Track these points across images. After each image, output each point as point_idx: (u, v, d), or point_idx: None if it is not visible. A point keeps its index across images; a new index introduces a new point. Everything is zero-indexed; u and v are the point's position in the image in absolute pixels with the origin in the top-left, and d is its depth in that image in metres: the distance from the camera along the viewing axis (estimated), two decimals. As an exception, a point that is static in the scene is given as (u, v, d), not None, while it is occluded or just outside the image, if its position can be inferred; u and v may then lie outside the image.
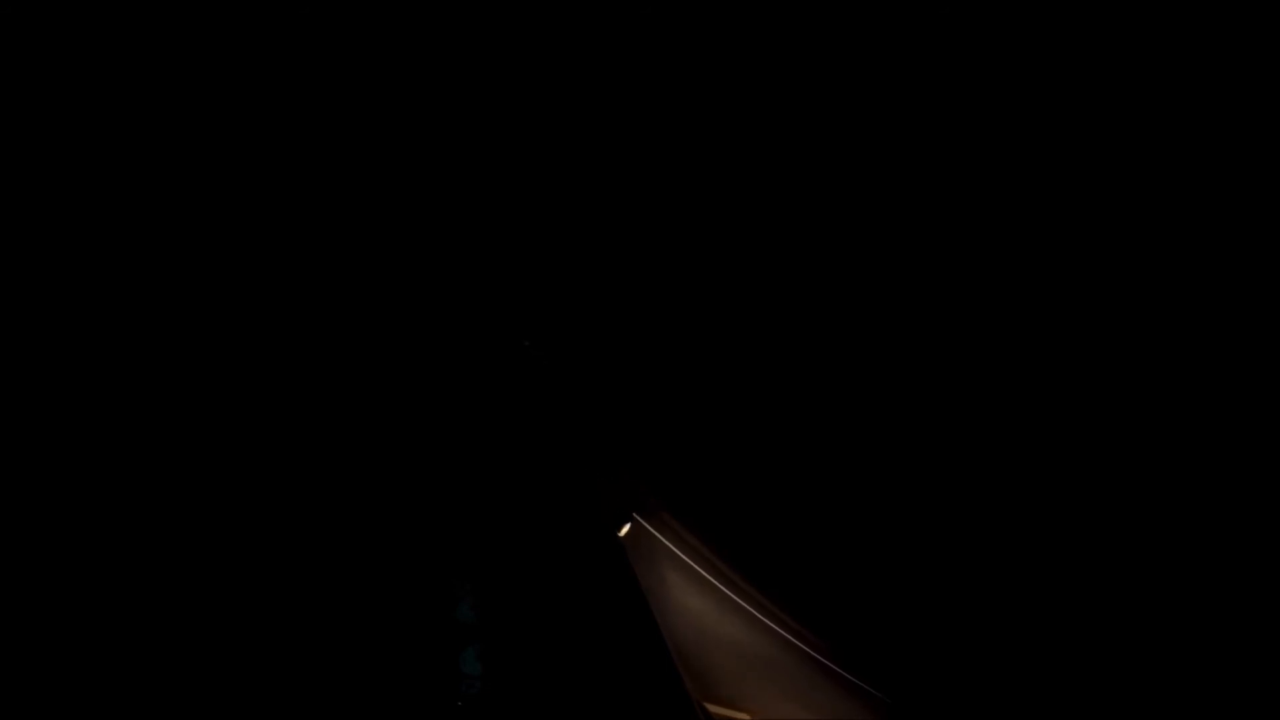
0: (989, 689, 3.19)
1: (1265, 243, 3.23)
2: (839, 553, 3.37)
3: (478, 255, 3.66)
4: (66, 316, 3.30)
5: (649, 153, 3.66)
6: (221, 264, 3.43)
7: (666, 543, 3.31)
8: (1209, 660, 3.08)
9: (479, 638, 3.27)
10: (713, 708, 3.20)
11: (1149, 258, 3.34)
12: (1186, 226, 3.32)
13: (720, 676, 3.24)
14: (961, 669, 3.21)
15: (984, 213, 3.49)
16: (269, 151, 3.52)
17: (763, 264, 3.61)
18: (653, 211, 3.66)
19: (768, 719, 3.23)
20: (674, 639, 3.18)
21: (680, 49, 3.61)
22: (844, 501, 3.43)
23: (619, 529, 3.29)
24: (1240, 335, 3.24)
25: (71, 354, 3.28)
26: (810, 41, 3.57)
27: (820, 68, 3.58)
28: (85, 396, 3.26)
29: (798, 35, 3.58)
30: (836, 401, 3.50)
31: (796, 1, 3.56)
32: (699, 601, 3.29)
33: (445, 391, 3.52)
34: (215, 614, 3.14)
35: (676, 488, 3.37)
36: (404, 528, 3.36)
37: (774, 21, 3.58)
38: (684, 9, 3.59)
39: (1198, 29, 3.27)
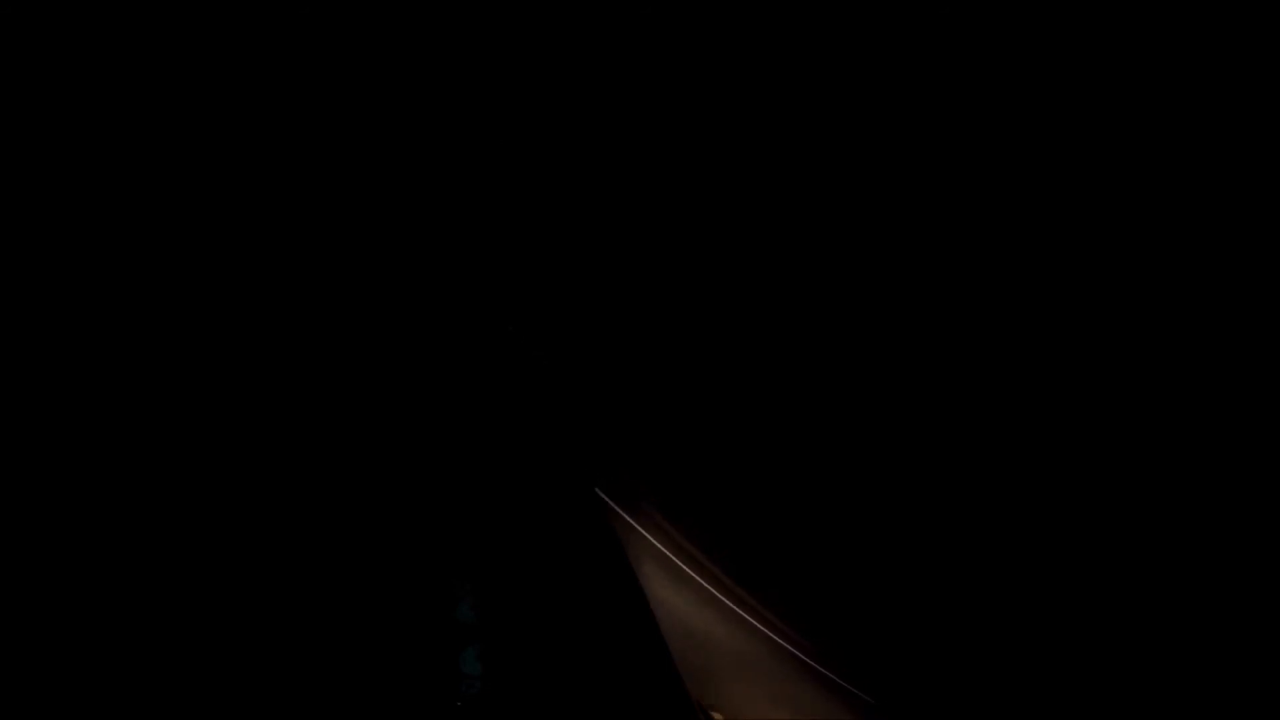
0: (972, 689, 3.19)
1: (1265, 243, 3.24)
2: (825, 552, 3.37)
3: (479, 256, 3.66)
4: (65, 316, 3.30)
5: (648, 151, 3.66)
6: (216, 261, 3.43)
7: (650, 538, 3.30)
8: (1193, 658, 3.09)
9: (479, 638, 3.27)
10: (718, 714, 3.20)
11: (1149, 258, 3.35)
12: (1186, 227, 3.32)
13: (701, 676, 3.23)
14: (945, 669, 3.21)
15: (982, 212, 3.49)
16: (267, 149, 3.52)
17: (760, 263, 3.61)
18: (651, 209, 3.67)
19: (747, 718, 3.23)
20: (686, 640, 3.18)
21: (680, 49, 3.62)
22: (832, 501, 3.42)
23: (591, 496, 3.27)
24: (1240, 335, 3.24)
25: (68, 353, 3.28)
26: (810, 41, 3.57)
27: (820, 67, 3.58)
28: (81, 396, 3.26)
29: (797, 35, 3.58)
30: (825, 401, 3.50)
31: (796, 1, 3.56)
32: (679, 599, 3.28)
33: (444, 391, 3.53)
34: (215, 614, 3.14)
35: (668, 485, 3.37)
36: (404, 528, 3.36)
37: (773, 21, 3.58)
38: (684, 9, 3.59)
39: (1199, 29, 3.27)
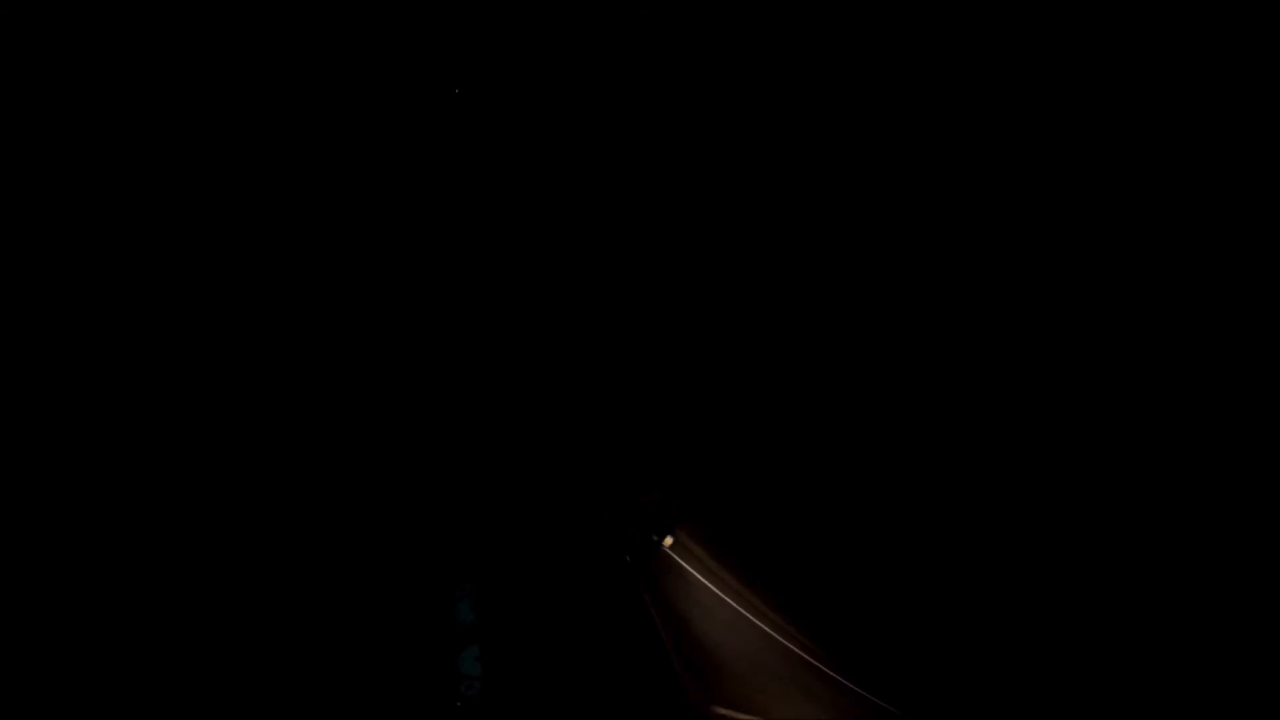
0: (999, 704, 3.14)
1: (1265, 243, 3.23)
2: (840, 553, 3.35)
3: (485, 257, 3.66)
4: (66, 317, 3.30)
5: (649, 152, 3.66)
6: (218, 263, 3.43)
7: (688, 554, 3.28)
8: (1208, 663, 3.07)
9: (479, 638, 3.27)
10: (724, 711, 3.19)
11: (1149, 258, 3.34)
12: (1187, 227, 3.32)
13: (702, 677, 3.20)
14: (987, 693, 3.15)
15: (984, 214, 3.49)
16: (268, 151, 3.52)
17: (765, 267, 3.61)
18: (651, 211, 3.67)
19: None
20: (693, 642, 3.14)
21: (680, 49, 3.61)
22: (845, 498, 3.40)
23: (651, 539, 3.22)
24: (1240, 336, 3.24)
25: (71, 353, 3.28)
26: (810, 41, 3.57)
27: (820, 67, 3.58)
28: (85, 396, 3.26)
29: (797, 35, 3.57)
30: (866, 415, 3.45)
31: (796, 1, 3.56)
32: (681, 599, 3.25)
33: (445, 390, 3.53)
34: (216, 614, 3.15)
35: (668, 484, 3.34)
36: (404, 528, 3.37)
37: (773, 21, 3.58)
38: (684, 9, 3.59)
39: (1200, 29, 3.27)
